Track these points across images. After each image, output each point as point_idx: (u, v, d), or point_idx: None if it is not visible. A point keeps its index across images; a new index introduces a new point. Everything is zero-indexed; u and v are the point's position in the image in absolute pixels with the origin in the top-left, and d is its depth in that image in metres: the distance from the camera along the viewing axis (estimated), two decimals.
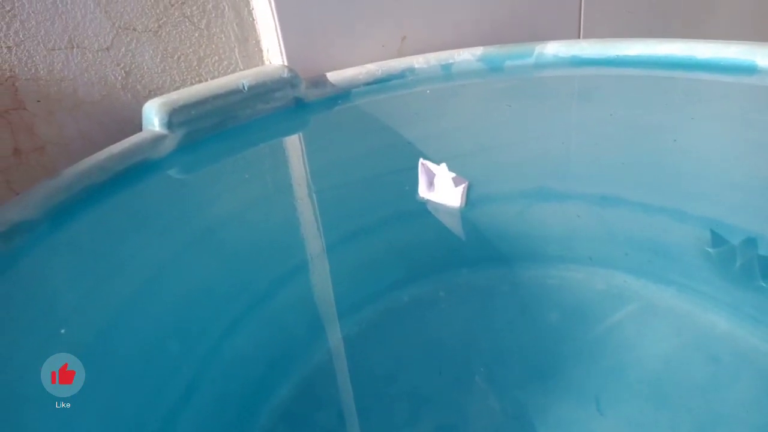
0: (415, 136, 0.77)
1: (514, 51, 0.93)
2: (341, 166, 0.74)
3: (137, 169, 0.67)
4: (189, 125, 0.74)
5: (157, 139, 0.71)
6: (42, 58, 0.72)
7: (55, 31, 0.72)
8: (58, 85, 0.74)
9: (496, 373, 0.45)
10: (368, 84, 0.89)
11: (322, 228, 0.63)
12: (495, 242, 0.60)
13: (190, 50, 0.82)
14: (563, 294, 0.52)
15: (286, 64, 0.85)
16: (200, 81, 0.84)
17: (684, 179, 0.65)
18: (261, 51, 0.88)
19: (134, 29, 0.77)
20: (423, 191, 0.63)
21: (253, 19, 0.85)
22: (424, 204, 0.63)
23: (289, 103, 0.84)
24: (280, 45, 0.85)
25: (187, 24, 0.81)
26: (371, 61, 0.91)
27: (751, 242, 0.52)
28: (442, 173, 0.61)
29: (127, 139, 0.69)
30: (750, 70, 0.79)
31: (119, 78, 0.78)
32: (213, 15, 0.82)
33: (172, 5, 0.79)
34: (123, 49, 0.77)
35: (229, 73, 0.86)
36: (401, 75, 0.91)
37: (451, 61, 0.93)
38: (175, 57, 0.81)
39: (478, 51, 0.93)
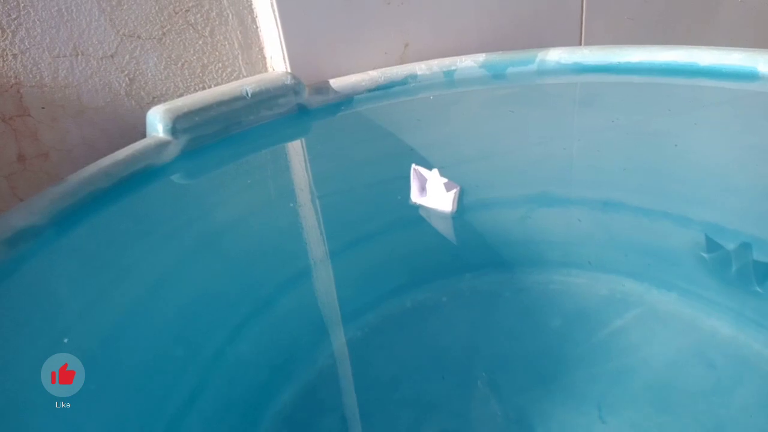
0: (418, 143, 0.77)
1: (517, 58, 0.94)
2: (344, 172, 0.74)
3: (141, 175, 0.68)
4: (193, 131, 0.74)
5: (161, 146, 0.71)
6: (47, 65, 0.73)
7: (60, 38, 0.72)
8: (62, 92, 0.75)
9: (498, 379, 0.45)
10: (371, 90, 0.89)
11: (325, 233, 0.63)
12: (497, 247, 0.60)
13: (194, 57, 0.83)
14: (565, 299, 0.52)
15: (289, 71, 0.86)
16: (204, 88, 0.85)
17: (686, 185, 0.65)
18: (264, 58, 0.88)
19: (138, 37, 0.78)
20: (415, 196, 0.63)
21: (257, 27, 0.86)
22: (425, 210, 0.63)
23: (292, 110, 0.84)
24: (283, 52, 0.85)
25: (191, 31, 0.81)
26: (374, 68, 0.92)
27: (753, 247, 0.52)
28: (434, 178, 0.62)
29: (131, 146, 0.70)
30: (752, 76, 0.79)
31: (123, 85, 0.78)
32: (217, 22, 0.83)
33: (177, 13, 0.79)
34: (127, 57, 0.78)
35: (232, 80, 0.86)
36: (404, 81, 0.91)
37: (453, 67, 0.93)
38: (179, 64, 0.82)
39: (481, 58, 0.93)
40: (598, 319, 0.49)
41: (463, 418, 0.42)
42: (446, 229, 0.63)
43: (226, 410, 0.43)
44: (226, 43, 0.84)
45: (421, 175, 0.63)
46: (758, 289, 0.49)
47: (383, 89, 0.90)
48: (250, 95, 0.79)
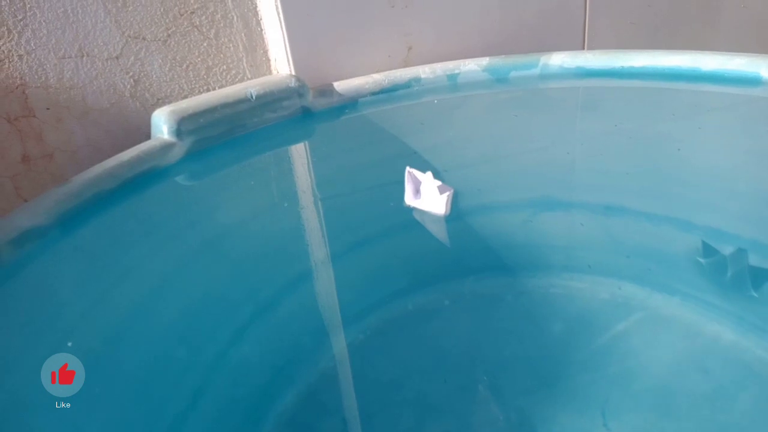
0: (421, 146, 0.77)
1: (520, 61, 0.94)
2: (347, 175, 0.74)
3: (146, 177, 0.68)
4: (197, 133, 0.74)
5: (166, 147, 0.72)
6: (52, 67, 0.73)
7: (66, 39, 0.73)
8: (67, 93, 0.75)
9: (500, 382, 0.45)
10: (375, 93, 0.90)
11: (328, 236, 0.63)
12: (499, 251, 0.60)
13: (199, 59, 0.83)
14: (567, 303, 0.52)
15: (293, 73, 0.86)
16: (208, 90, 0.85)
17: (688, 189, 0.65)
18: (269, 60, 0.89)
19: (143, 38, 0.78)
20: (409, 199, 0.63)
21: (261, 29, 0.86)
22: (426, 213, 0.63)
23: (296, 112, 0.84)
24: (287, 54, 0.85)
25: (196, 33, 0.81)
26: (378, 71, 0.92)
27: (755, 252, 0.52)
28: (428, 181, 0.62)
29: (136, 147, 0.70)
30: (755, 81, 0.80)
31: (128, 86, 0.79)
32: (222, 25, 0.83)
33: (182, 15, 0.80)
34: (132, 58, 0.78)
35: (236, 83, 0.86)
36: (407, 85, 0.92)
37: (456, 71, 0.93)
38: (184, 66, 0.82)
39: (484, 61, 0.94)
40: (600, 323, 0.49)
41: (464, 421, 0.42)
42: (448, 233, 0.63)
43: (228, 412, 0.44)
44: (231, 45, 0.85)
45: (416, 177, 0.63)
46: (761, 294, 0.49)
47: (387, 92, 0.90)
48: (254, 98, 0.79)
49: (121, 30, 0.76)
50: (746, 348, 0.45)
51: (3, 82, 0.71)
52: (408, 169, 0.63)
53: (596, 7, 1.09)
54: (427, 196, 0.62)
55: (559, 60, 0.93)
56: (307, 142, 0.85)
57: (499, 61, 0.94)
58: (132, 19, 0.76)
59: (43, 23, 0.71)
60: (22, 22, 0.70)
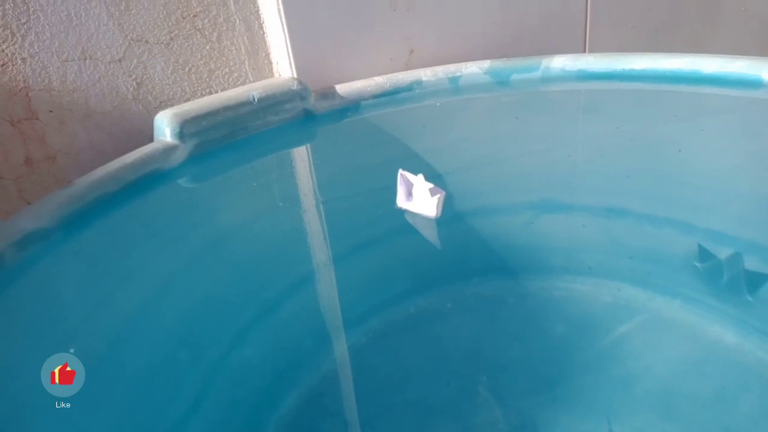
0: (423, 148, 0.77)
1: (521, 64, 0.94)
2: (349, 178, 0.74)
3: (149, 179, 0.68)
4: (200, 136, 0.75)
5: (169, 150, 0.72)
6: (55, 69, 0.73)
7: (69, 42, 0.73)
8: (70, 96, 0.75)
9: (503, 385, 0.45)
10: (377, 96, 0.90)
11: (330, 238, 0.63)
12: (501, 253, 0.60)
13: (201, 62, 0.83)
14: (569, 305, 0.52)
15: (295, 76, 0.86)
16: (210, 93, 0.85)
17: (690, 191, 0.65)
18: (271, 63, 0.89)
19: (146, 41, 0.78)
20: (401, 201, 0.63)
21: (264, 32, 0.86)
22: (421, 216, 0.63)
23: (298, 115, 0.84)
24: (289, 57, 0.86)
25: (199, 37, 0.82)
26: (379, 74, 0.92)
27: (757, 255, 0.52)
28: (420, 183, 0.62)
29: (139, 149, 0.70)
30: (756, 84, 0.80)
31: (131, 89, 0.79)
32: (224, 28, 0.83)
33: (184, 18, 0.80)
34: (135, 61, 0.78)
35: (239, 85, 0.87)
36: (409, 87, 0.92)
37: (458, 74, 0.94)
38: (186, 69, 0.82)
39: (485, 64, 0.94)
40: (602, 325, 0.49)
41: (467, 424, 0.42)
42: (450, 235, 0.63)
43: (230, 414, 0.44)
44: (233, 48, 0.85)
45: (408, 180, 0.63)
46: (763, 297, 0.49)
47: (389, 95, 0.90)
48: (256, 100, 0.80)
49: (123, 33, 0.76)
50: (748, 350, 0.45)
51: (6, 85, 0.71)
52: (400, 171, 0.63)
53: (597, 10, 1.09)
54: (419, 198, 0.62)
55: (561, 63, 0.93)
56: (309, 145, 0.85)
57: (500, 64, 0.94)
58: (135, 22, 0.77)
59: (47, 26, 0.71)
60: (25, 26, 0.70)
